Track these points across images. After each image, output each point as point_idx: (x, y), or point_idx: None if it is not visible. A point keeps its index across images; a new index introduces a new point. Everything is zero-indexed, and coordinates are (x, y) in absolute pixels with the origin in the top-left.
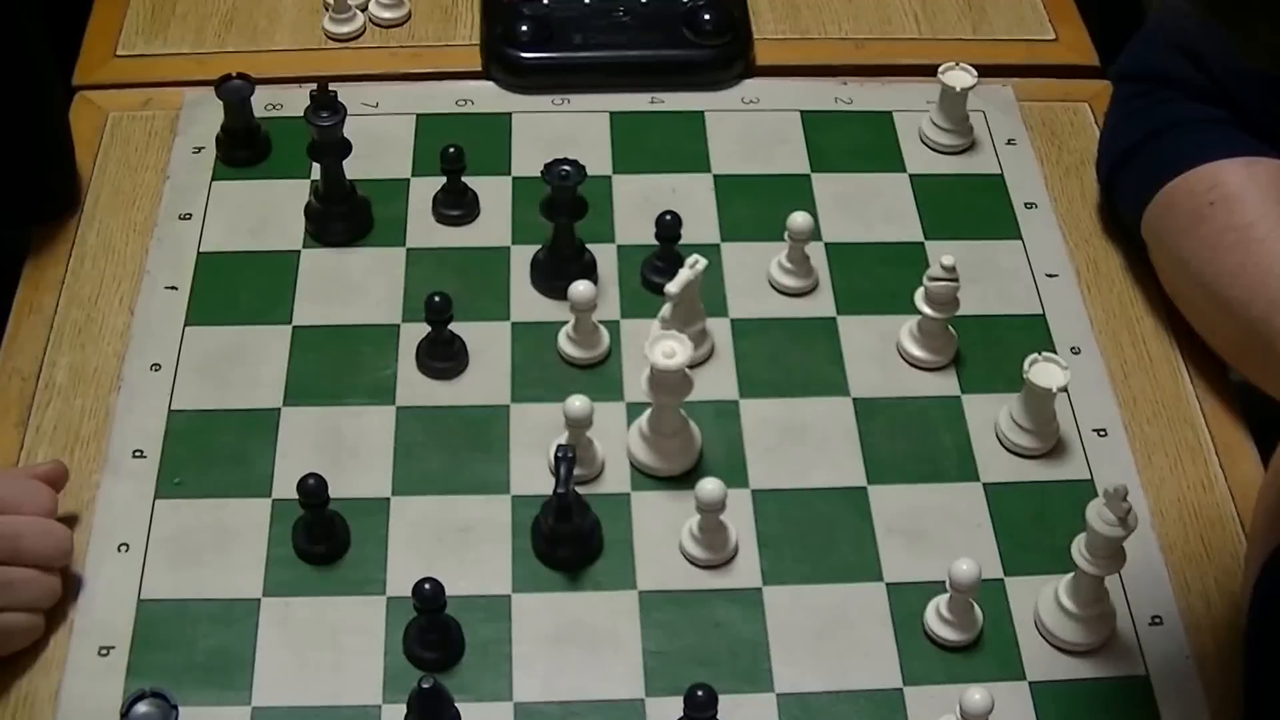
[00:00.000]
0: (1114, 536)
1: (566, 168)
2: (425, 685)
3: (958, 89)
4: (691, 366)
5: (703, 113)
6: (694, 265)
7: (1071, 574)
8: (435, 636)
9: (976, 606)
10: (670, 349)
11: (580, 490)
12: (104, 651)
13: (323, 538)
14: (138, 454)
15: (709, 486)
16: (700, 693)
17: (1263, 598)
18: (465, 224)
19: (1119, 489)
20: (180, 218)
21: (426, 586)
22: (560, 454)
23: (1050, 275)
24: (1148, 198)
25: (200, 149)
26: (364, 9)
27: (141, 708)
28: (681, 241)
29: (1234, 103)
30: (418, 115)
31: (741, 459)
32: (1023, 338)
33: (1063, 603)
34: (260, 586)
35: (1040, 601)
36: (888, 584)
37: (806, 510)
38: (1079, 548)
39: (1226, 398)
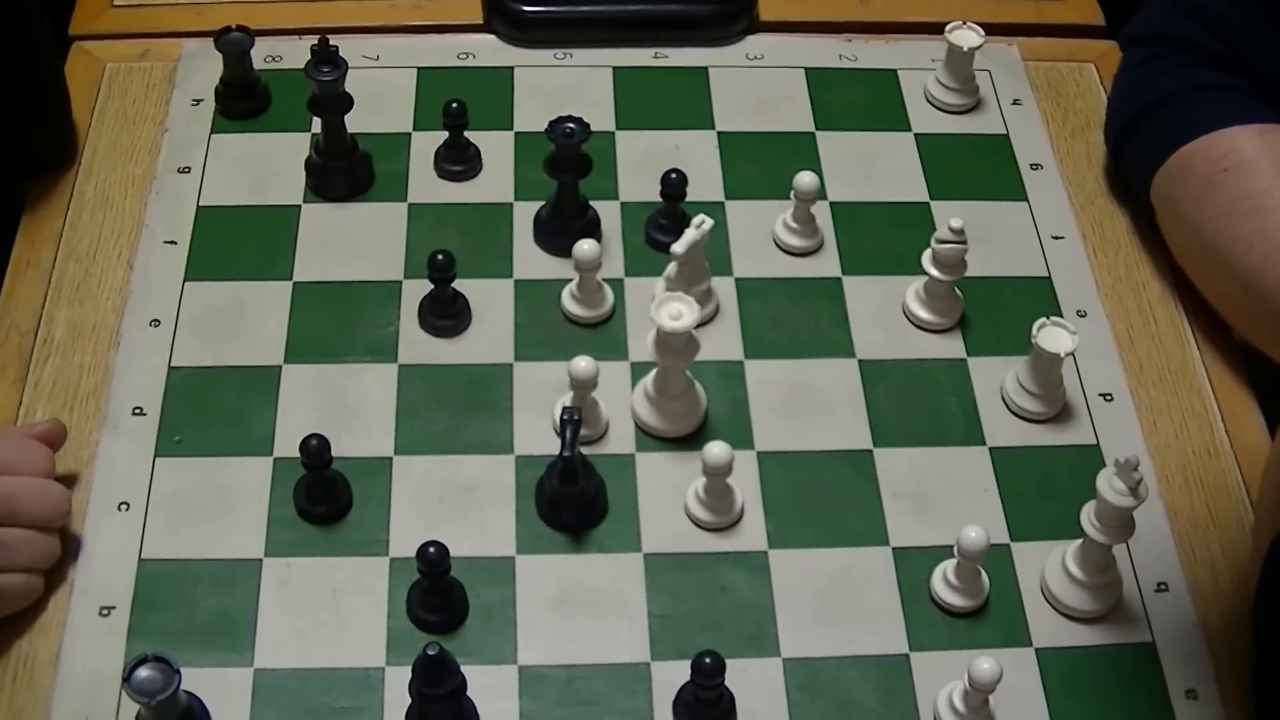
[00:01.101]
0: (1124, 506)
1: (571, 125)
2: (431, 652)
3: (965, 48)
4: (696, 327)
5: (706, 69)
6: (700, 225)
7: (1079, 541)
8: (438, 599)
9: (984, 572)
10: (677, 311)
11: (584, 451)
12: (105, 612)
13: (324, 498)
14: (137, 411)
15: (715, 450)
16: (708, 660)
17: (1270, 577)
18: (467, 179)
19: (1130, 459)
20: (179, 171)
21: (431, 550)
22: (565, 416)
23: (1056, 237)
24: (1159, 162)
25: (199, 101)
26: None
27: (144, 672)
28: (686, 199)
29: (1248, 69)
30: (419, 69)
31: (746, 420)
32: (1028, 300)
33: (1070, 570)
34: (261, 547)
35: (1047, 568)
36: (894, 548)
37: (812, 473)
38: (1088, 516)
39: (1233, 363)
